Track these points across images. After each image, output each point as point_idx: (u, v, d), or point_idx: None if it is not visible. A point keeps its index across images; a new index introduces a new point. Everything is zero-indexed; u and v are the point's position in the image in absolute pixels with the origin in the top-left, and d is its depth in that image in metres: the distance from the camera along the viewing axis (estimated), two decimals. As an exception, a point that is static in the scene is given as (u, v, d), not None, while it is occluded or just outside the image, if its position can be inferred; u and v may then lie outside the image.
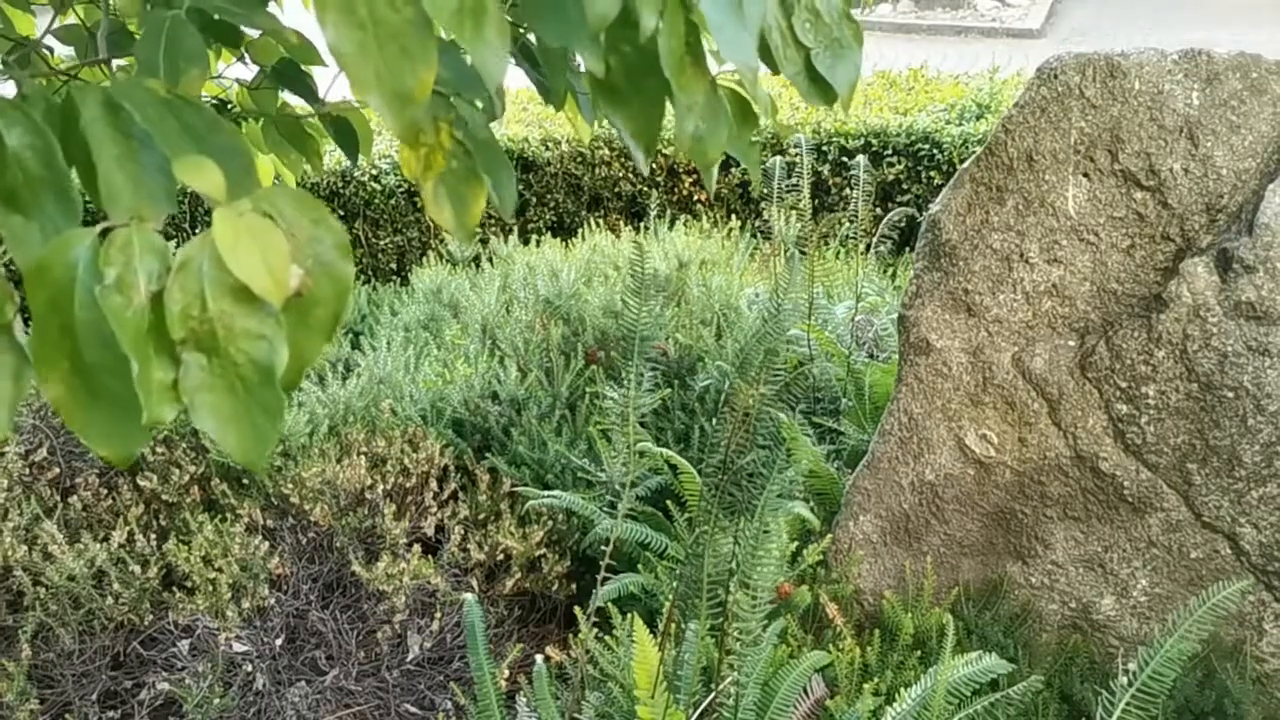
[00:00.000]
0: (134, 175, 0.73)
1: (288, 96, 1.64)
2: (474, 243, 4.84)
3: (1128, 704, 2.06)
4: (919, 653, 2.45)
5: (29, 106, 0.75)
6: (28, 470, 2.84)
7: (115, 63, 1.39)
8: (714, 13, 0.84)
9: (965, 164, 2.44)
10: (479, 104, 1.01)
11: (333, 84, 1.14)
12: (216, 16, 1.15)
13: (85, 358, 0.70)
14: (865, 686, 2.24)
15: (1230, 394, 2.24)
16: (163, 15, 0.94)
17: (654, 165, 5.57)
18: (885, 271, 4.39)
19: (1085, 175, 2.30)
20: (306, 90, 1.51)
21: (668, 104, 0.95)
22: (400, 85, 0.71)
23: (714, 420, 3.05)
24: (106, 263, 0.67)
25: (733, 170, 5.55)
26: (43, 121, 0.75)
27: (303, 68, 1.50)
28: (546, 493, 2.87)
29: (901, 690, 2.16)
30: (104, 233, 0.70)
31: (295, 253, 0.69)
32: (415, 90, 0.71)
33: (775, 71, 1.03)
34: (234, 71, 1.70)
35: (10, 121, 0.74)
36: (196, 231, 4.25)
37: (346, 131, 1.53)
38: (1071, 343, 2.40)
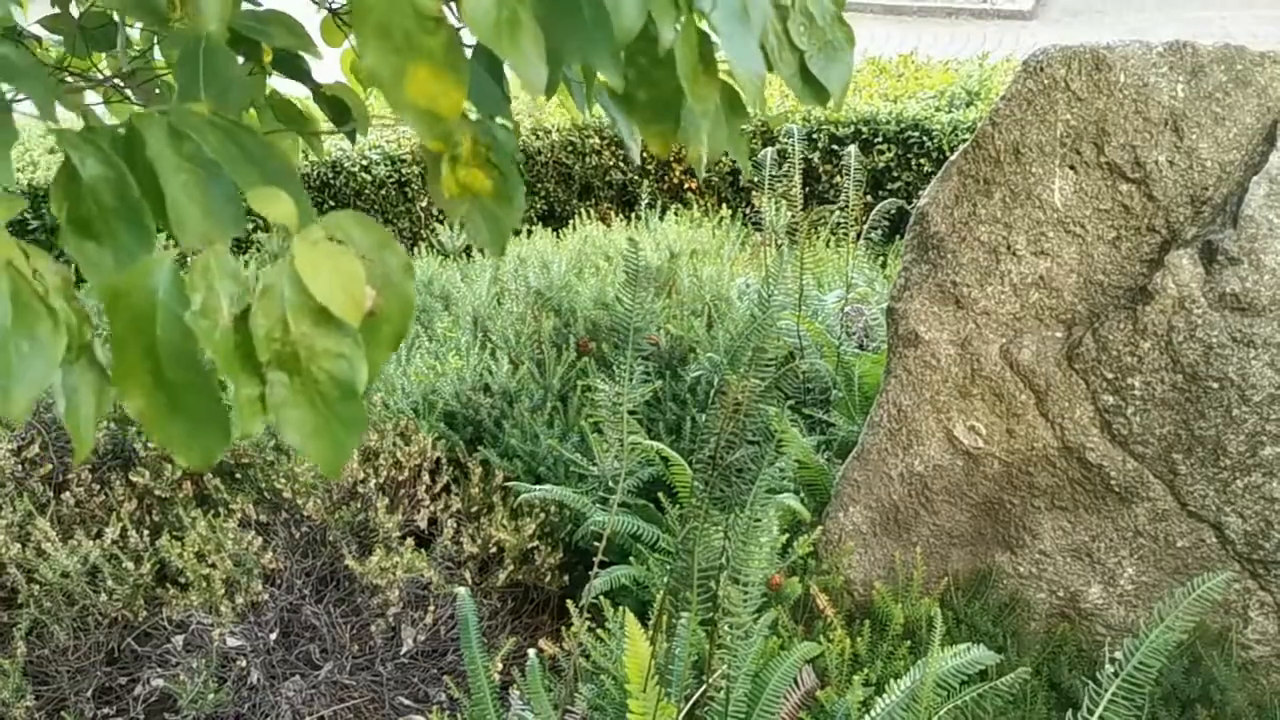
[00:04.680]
0: (202, 202, 0.77)
1: (274, 82, 1.64)
2: (504, 248, 4.84)
3: (1114, 693, 2.08)
4: (909, 643, 2.47)
5: (98, 138, 0.78)
6: (20, 467, 2.84)
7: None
8: (723, 22, 0.88)
9: (953, 156, 2.45)
10: (507, 124, 1.03)
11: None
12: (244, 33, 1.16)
13: (166, 375, 0.74)
14: (855, 677, 2.26)
15: (1215, 385, 2.26)
16: (196, 40, 0.95)
17: (645, 154, 5.57)
18: (875, 260, 4.40)
19: (1071, 168, 2.31)
20: (303, 74, 1.52)
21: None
22: (434, 105, 0.76)
23: (705, 411, 3.07)
24: (192, 289, 0.71)
25: (723, 159, 5.55)
26: (111, 152, 0.78)
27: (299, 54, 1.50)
28: (538, 486, 2.88)
29: (891, 681, 2.18)
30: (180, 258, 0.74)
31: (366, 274, 0.73)
32: (447, 109, 0.76)
33: (769, 71, 1.05)
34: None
35: (84, 153, 0.76)
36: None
37: (343, 111, 1.54)
38: (1058, 334, 2.41)
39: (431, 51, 0.75)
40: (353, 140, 1.61)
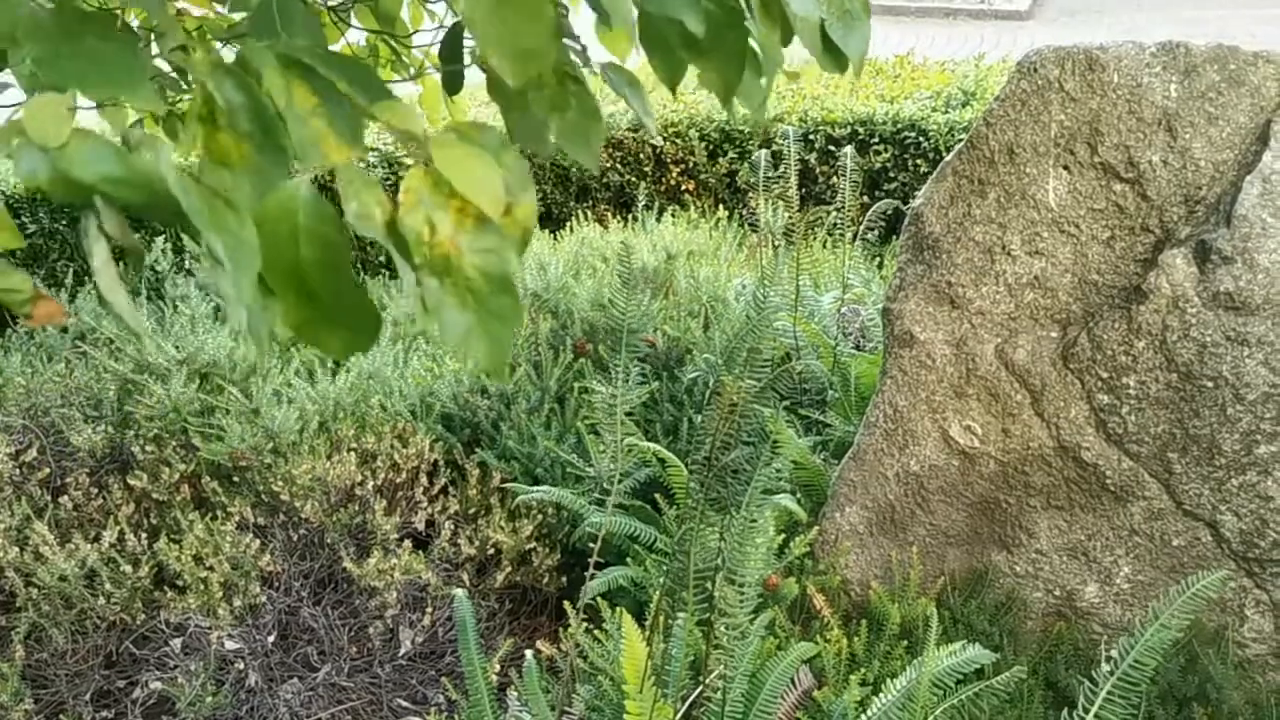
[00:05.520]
0: (323, 126, 0.79)
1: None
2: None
3: (1110, 691, 2.09)
4: (906, 642, 2.47)
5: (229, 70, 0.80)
6: (18, 471, 2.85)
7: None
8: None
9: (948, 157, 2.46)
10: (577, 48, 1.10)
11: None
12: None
13: (314, 288, 0.78)
14: (852, 677, 2.27)
15: (1209, 384, 2.27)
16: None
17: (641, 155, 5.58)
18: (872, 260, 4.40)
19: (1065, 168, 2.31)
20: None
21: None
22: (524, 44, 0.79)
23: (702, 413, 3.07)
24: (346, 198, 0.75)
25: (720, 160, 5.56)
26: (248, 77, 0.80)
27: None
28: (536, 488, 2.89)
29: (888, 680, 2.19)
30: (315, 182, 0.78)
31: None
32: (539, 47, 0.80)
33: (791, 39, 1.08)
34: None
35: (220, 81, 0.78)
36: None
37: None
38: (1053, 334, 2.42)
39: None
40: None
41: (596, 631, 2.43)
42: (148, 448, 2.92)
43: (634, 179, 5.64)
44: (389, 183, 5.25)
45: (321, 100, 0.79)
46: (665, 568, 2.45)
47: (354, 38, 1.87)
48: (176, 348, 3.25)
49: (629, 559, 2.78)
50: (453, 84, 1.45)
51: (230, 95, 0.78)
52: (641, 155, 5.59)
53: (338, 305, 0.78)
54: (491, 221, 0.75)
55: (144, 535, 2.71)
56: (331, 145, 0.77)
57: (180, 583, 2.63)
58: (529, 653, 2.38)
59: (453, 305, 0.76)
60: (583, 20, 1.18)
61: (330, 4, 1.58)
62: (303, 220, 0.76)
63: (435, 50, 1.58)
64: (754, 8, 0.94)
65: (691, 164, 5.59)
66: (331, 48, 1.67)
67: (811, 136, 5.32)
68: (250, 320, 0.79)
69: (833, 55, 1.10)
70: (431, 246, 0.75)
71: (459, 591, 2.44)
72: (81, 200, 0.74)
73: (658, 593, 2.33)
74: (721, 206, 5.47)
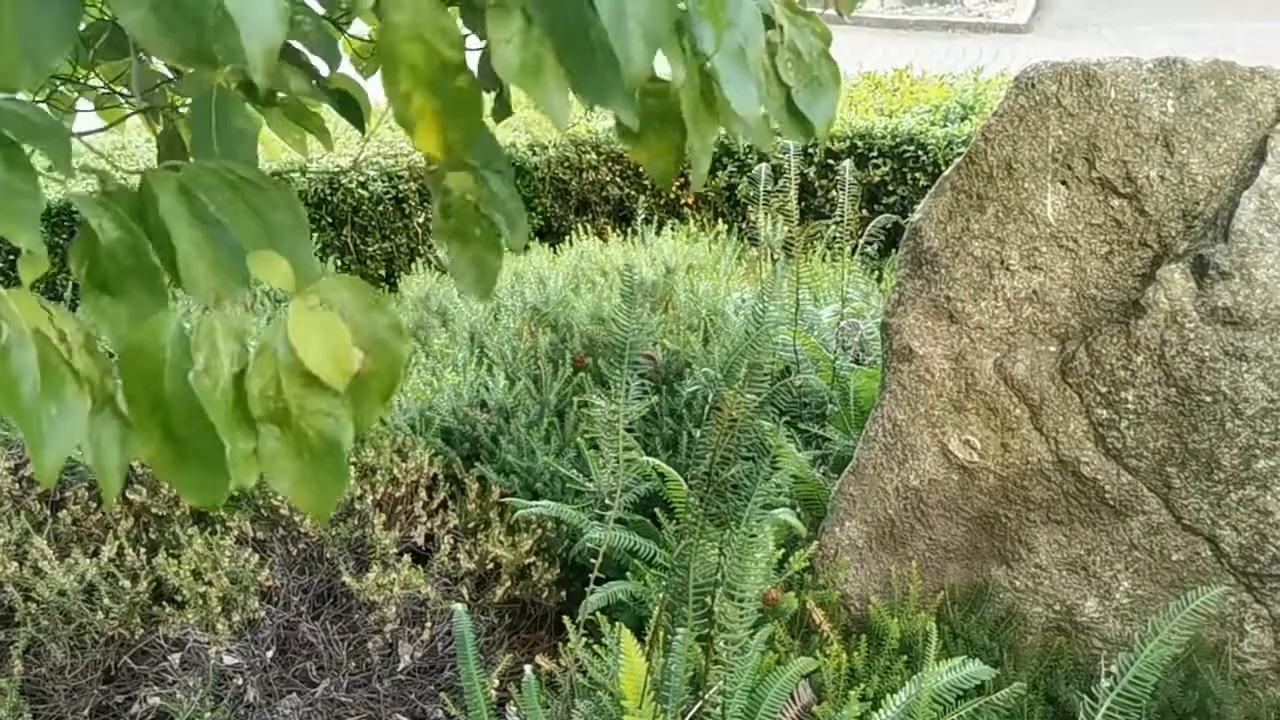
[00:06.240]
0: (211, 260, 0.83)
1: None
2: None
3: (1110, 706, 2.09)
4: (905, 657, 2.47)
5: (114, 202, 0.84)
6: (17, 485, 2.85)
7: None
8: (724, 65, 0.94)
9: (946, 172, 2.46)
10: (504, 173, 1.10)
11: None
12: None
13: (175, 428, 0.79)
14: (852, 692, 2.27)
15: (1208, 398, 2.27)
16: (208, 92, 1.00)
17: (641, 169, 5.59)
18: (871, 274, 4.41)
19: (1064, 183, 2.32)
20: (305, 65, 1.53)
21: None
22: (449, 141, 0.84)
23: (701, 426, 3.07)
24: (196, 349, 0.77)
25: (719, 174, 5.57)
26: (128, 215, 0.84)
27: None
28: (535, 502, 2.89)
29: (888, 696, 2.18)
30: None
31: (355, 336, 0.79)
32: (461, 145, 0.85)
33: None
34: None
35: (101, 218, 0.82)
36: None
37: (350, 104, 1.55)
38: (1052, 348, 2.42)
39: (454, 93, 0.83)
40: (361, 129, 1.62)
41: (596, 646, 2.43)
42: (147, 463, 2.92)
43: (633, 192, 5.65)
44: (389, 196, 5.26)
45: (213, 235, 0.82)
46: (665, 582, 2.44)
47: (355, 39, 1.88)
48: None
49: (628, 574, 2.78)
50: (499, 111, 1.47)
51: (110, 233, 0.82)
52: (641, 169, 5.59)
53: (197, 448, 0.80)
54: (333, 389, 0.78)
55: (143, 550, 2.71)
56: (212, 282, 0.81)
57: (179, 598, 2.63)
58: (528, 668, 2.37)
59: (287, 456, 0.79)
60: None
61: (328, 18, 1.59)
62: (169, 357, 0.78)
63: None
64: (685, 113, 0.96)
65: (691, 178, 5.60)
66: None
67: (810, 150, 5.33)
68: (97, 459, 0.82)
69: (798, 122, 1.11)
70: (275, 401, 0.78)
71: (458, 606, 2.44)
72: None
73: (657, 608, 2.33)
74: (721, 220, 5.48)
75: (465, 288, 1.03)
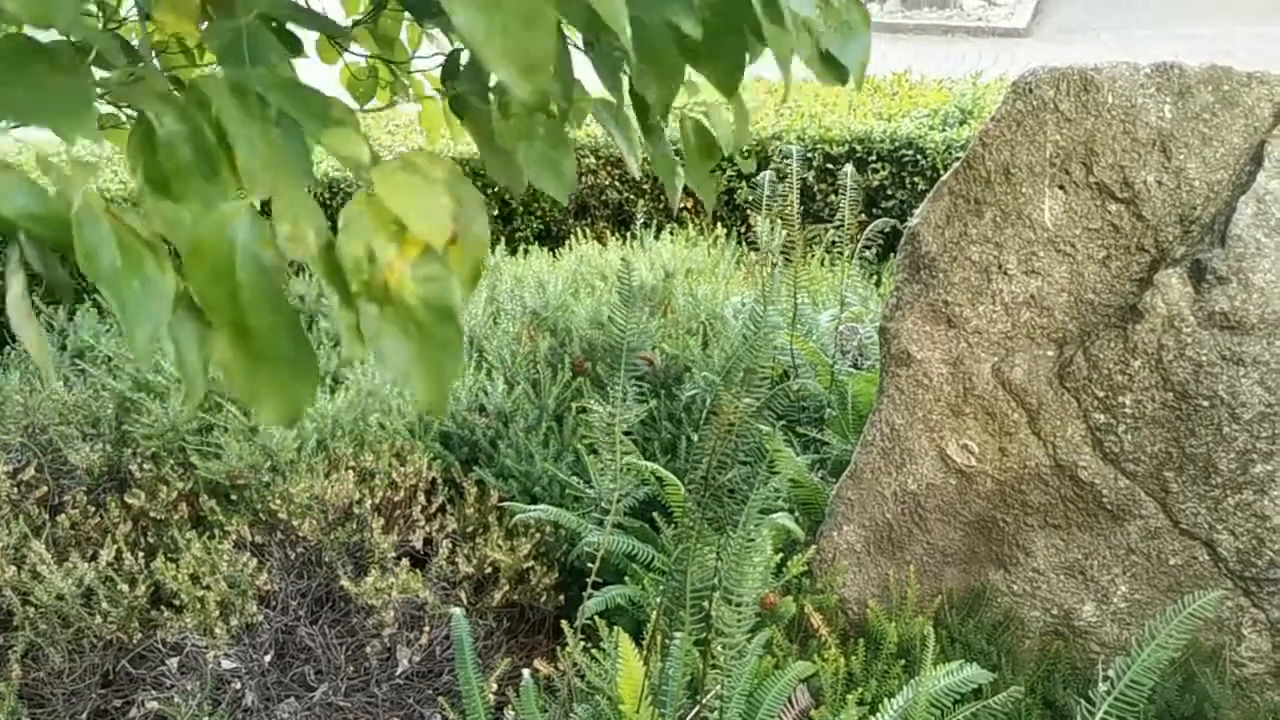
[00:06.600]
0: (270, 153, 0.77)
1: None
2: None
3: (1108, 710, 2.09)
4: (903, 661, 2.47)
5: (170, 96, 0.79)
6: (15, 489, 2.85)
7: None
8: None
9: (944, 176, 2.47)
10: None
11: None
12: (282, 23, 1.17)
13: (249, 321, 0.74)
14: (850, 696, 2.27)
15: (1205, 403, 2.27)
16: (234, 23, 0.97)
17: (642, 172, 5.59)
18: (870, 279, 4.41)
19: (1061, 188, 2.32)
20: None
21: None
22: (528, 57, 0.76)
23: (700, 431, 3.07)
24: (279, 219, 0.72)
25: (719, 179, 5.57)
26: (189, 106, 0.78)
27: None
28: (534, 506, 2.89)
29: (886, 700, 2.19)
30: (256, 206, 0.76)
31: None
32: (542, 59, 0.77)
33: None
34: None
35: (160, 110, 0.77)
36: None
37: None
38: (1050, 353, 2.42)
39: (519, 6, 0.76)
40: None
41: (594, 650, 2.43)
42: (145, 466, 2.92)
43: (633, 196, 5.66)
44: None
45: (269, 126, 0.78)
46: (663, 587, 2.45)
47: (353, 54, 1.89)
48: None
49: (627, 578, 2.78)
50: (459, 106, 1.45)
51: (170, 125, 0.77)
52: (640, 173, 5.60)
53: (273, 344, 0.75)
54: (434, 250, 0.74)
55: (141, 554, 2.71)
56: (273, 176, 0.76)
57: (177, 602, 2.63)
58: (526, 672, 2.37)
59: (393, 334, 0.74)
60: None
61: (331, 35, 1.59)
62: (241, 243, 0.74)
63: (437, 72, 1.59)
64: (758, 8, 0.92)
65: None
66: (331, 70, 1.68)
67: (810, 155, 5.34)
68: (179, 358, 0.77)
69: (832, 68, 1.09)
70: (371, 273, 0.73)
71: (456, 610, 2.44)
72: (4, 233, 0.73)
73: (655, 612, 2.33)
74: (720, 224, 5.49)
75: (544, 186, 0.98)
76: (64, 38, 0.80)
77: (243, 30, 0.98)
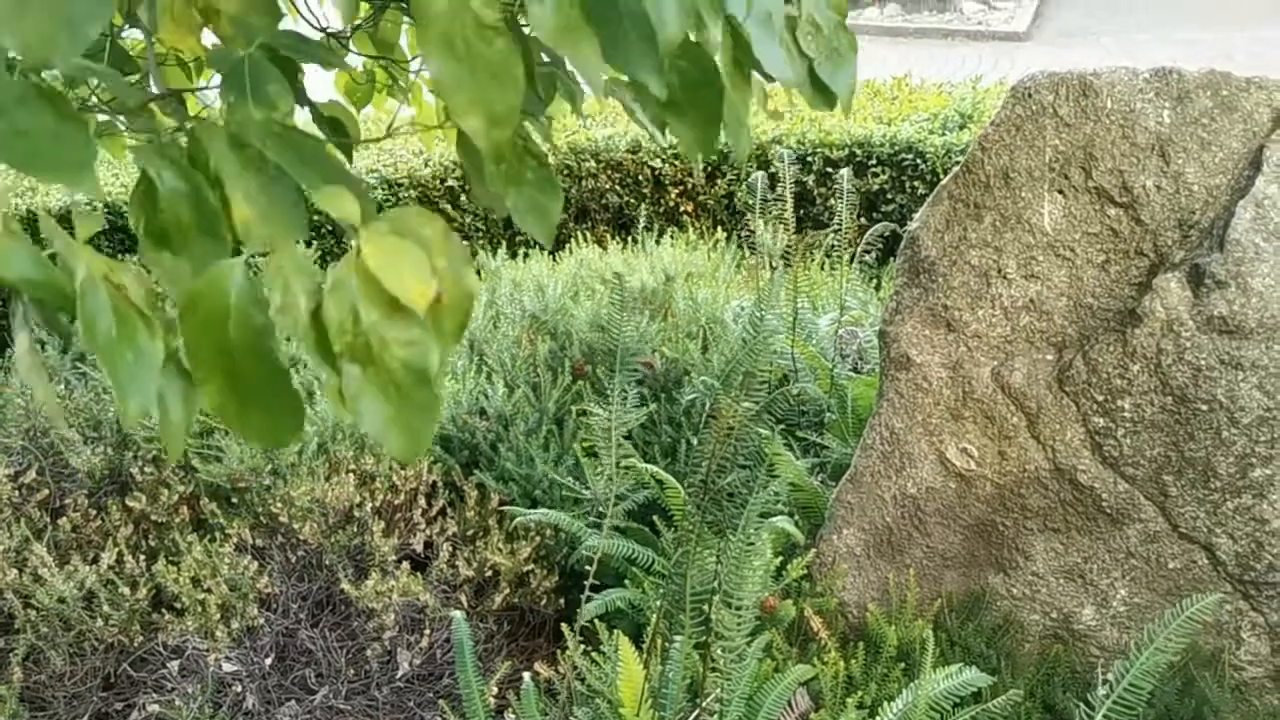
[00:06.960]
0: (266, 207, 0.81)
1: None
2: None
3: (1107, 714, 2.09)
4: (903, 665, 2.48)
5: (171, 151, 0.82)
6: (17, 492, 2.86)
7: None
8: (754, 28, 0.95)
9: (944, 180, 2.47)
10: (542, 121, 1.08)
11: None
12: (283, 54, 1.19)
13: (240, 371, 0.78)
14: (849, 700, 2.27)
15: (1204, 407, 2.28)
16: (237, 54, 0.98)
17: (640, 177, 5.61)
18: (869, 283, 4.42)
19: (1060, 192, 2.33)
20: (301, 95, 1.54)
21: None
22: (492, 109, 0.80)
23: (700, 434, 3.08)
24: (271, 287, 0.75)
25: (719, 182, 5.58)
26: (187, 165, 0.82)
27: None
28: (534, 510, 2.89)
29: (885, 703, 2.19)
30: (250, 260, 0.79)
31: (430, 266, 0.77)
32: (506, 114, 0.80)
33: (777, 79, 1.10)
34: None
35: (160, 167, 0.80)
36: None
37: (341, 131, 1.56)
38: (1049, 357, 2.43)
39: (490, 60, 0.79)
40: (349, 158, 1.64)
41: (594, 654, 2.44)
42: (146, 469, 2.93)
43: (633, 200, 5.66)
44: (389, 204, 5.27)
45: (267, 179, 0.80)
46: (663, 590, 2.45)
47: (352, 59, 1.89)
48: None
49: (627, 581, 2.79)
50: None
51: (169, 183, 0.80)
52: (640, 177, 5.61)
53: (262, 390, 0.79)
54: (415, 314, 0.76)
55: (142, 557, 2.71)
56: (268, 229, 0.79)
57: (178, 605, 2.63)
58: (527, 675, 2.38)
59: (372, 395, 0.77)
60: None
61: (330, 31, 1.60)
62: (234, 301, 0.77)
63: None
64: (725, 74, 0.96)
65: (690, 185, 5.61)
66: (329, 74, 1.68)
67: (809, 159, 5.35)
68: (162, 416, 0.81)
69: (821, 94, 1.13)
70: (354, 335, 0.76)
71: (457, 613, 2.44)
72: (7, 289, 0.75)
73: (655, 615, 2.34)
74: (720, 228, 5.49)
75: (529, 231, 1.01)
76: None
77: (244, 62, 1.00)
